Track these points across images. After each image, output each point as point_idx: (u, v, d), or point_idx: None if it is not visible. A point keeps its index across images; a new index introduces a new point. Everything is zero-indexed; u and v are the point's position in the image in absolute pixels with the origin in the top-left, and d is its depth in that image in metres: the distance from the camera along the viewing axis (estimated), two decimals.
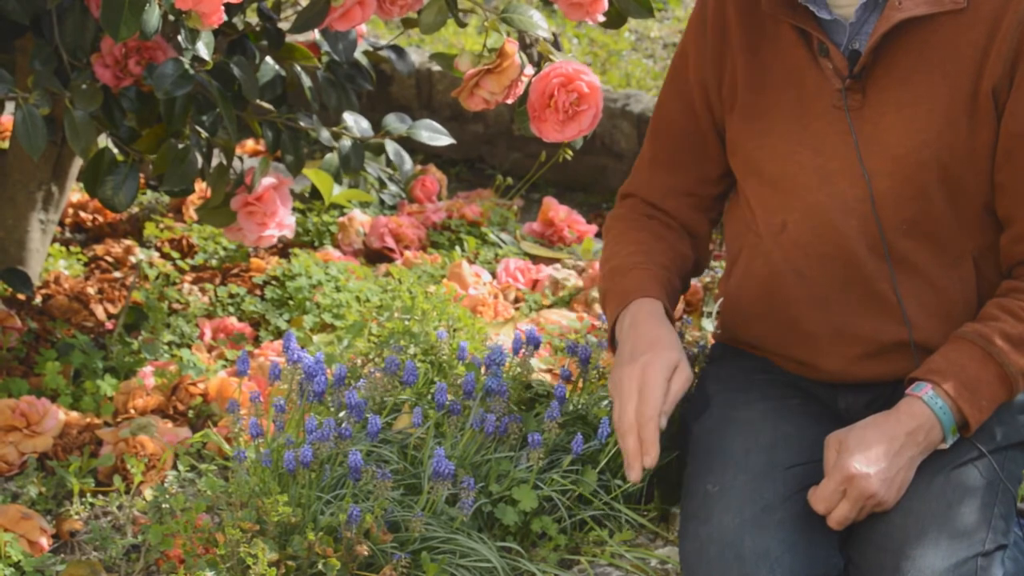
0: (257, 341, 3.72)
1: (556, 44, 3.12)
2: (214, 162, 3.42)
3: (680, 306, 3.84)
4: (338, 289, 3.85)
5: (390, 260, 4.28)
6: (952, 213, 2.50)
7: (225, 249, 4.22)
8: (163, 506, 2.72)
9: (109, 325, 3.71)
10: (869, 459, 2.38)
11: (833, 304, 2.56)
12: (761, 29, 2.57)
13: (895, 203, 2.49)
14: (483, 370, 2.83)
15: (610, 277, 2.69)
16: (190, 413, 3.25)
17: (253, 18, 3.49)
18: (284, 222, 3.52)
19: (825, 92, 2.50)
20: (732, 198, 2.74)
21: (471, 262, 4.22)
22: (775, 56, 2.55)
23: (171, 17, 3.11)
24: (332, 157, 3.67)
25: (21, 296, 3.72)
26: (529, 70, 3.00)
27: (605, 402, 2.84)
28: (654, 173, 2.76)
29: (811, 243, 2.55)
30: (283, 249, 4.27)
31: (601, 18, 3.04)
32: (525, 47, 3.08)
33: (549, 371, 3.25)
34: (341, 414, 2.68)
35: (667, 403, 2.46)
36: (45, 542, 2.81)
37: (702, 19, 2.63)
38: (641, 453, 2.43)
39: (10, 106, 3.01)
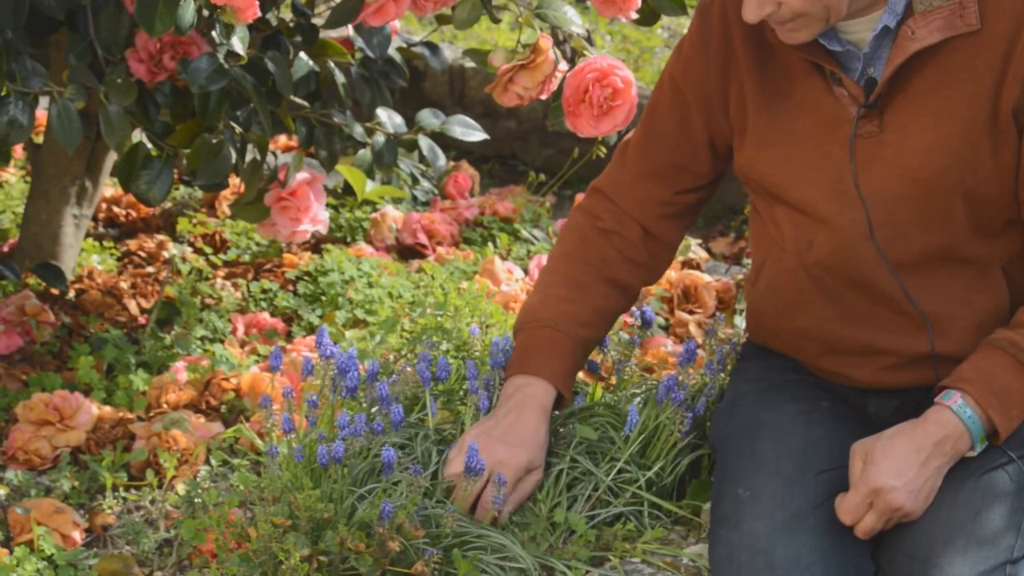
0: (289, 337, 3.72)
1: (589, 40, 3.11)
2: (248, 157, 3.42)
3: (712, 302, 3.83)
4: (370, 285, 3.85)
5: (422, 256, 4.28)
6: (977, 230, 2.47)
7: (258, 244, 4.23)
8: (195, 501, 2.72)
9: (142, 320, 3.72)
10: (896, 471, 2.37)
11: (861, 322, 2.54)
12: (768, 52, 2.52)
13: (921, 226, 2.46)
14: None
15: (528, 314, 2.71)
16: (222, 408, 3.25)
17: (287, 14, 3.49)
18: (317, 217, 3.52)
19: (842, 120, 2.46)
20: (752, 204, 2.70)
21: (503, 258, 4.22)
22: (786, 82, 2.51)
23: (206, 12, 3.12)
24: (365, 153, 3.67)
25: (54, 291, 3.73)
26: (563, 66, 3.00)
27: (637, 399, 2.83)
28: (636, 181, 2.72)
29: (835, 266, 2.52)
30: (316, 245, 4.27)
31: (634, 15, 3.04)
32: (558, 43, 3.07)
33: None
34: (373, 409, 2.68)
35: (512, 501, 2.58)
36: (78, 536, 2.82)
37: (704, 36, 2.57)
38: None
39: (44, 101, 3.02)
